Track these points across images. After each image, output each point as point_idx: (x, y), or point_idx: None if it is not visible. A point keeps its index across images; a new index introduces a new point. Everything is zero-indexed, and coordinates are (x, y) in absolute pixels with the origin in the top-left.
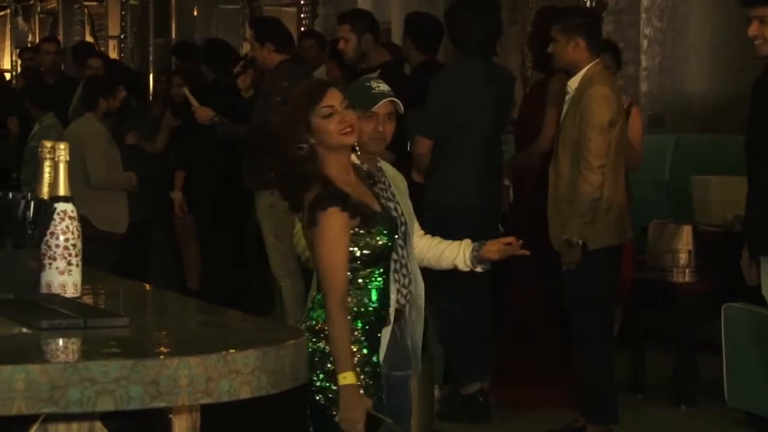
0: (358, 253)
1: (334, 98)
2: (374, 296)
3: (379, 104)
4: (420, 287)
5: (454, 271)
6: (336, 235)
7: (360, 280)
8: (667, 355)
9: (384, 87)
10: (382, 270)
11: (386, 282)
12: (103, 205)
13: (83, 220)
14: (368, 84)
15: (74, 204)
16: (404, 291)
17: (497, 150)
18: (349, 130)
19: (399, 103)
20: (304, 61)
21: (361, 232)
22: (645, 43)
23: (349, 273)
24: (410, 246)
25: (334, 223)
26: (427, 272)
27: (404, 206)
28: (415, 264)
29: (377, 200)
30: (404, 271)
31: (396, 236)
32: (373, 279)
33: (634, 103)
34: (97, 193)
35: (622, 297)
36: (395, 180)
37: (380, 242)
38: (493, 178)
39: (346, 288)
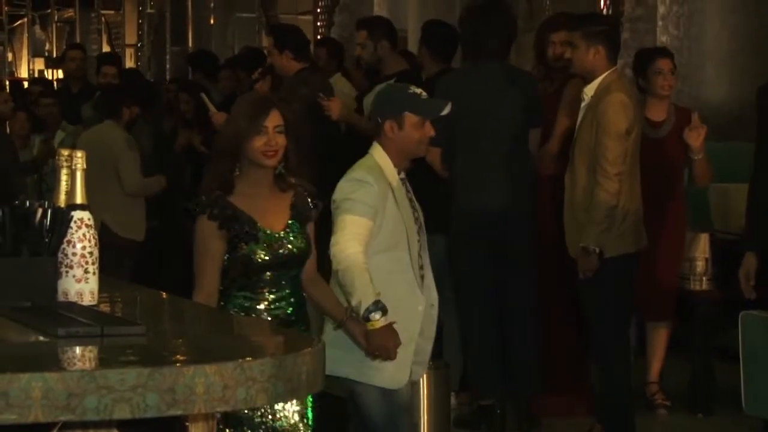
0: (227, 263)
1: (272, 120)
2: (245, 307)
3: (444, 111)
4: (434, 294)
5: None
6: (203, 240)
7: (231, 290)
8: (684, 363)
9: (424, 92)
10: (261, 285)
11: (257, 296)
12: (124, 212)
13: (104, 227)
14: (411, 91)
15: (91, 212)
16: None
17: (518, 154)
18: (272, 153)
19: (450, 104)
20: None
21: (225, 247)
22: None
23: (237, 279)
24: (426, 255)
25: (202, 229)
26: (444, 283)
27: (421, 215)
28: (430, 272)
29: (297, 221)
30: (421, 282)
31: (282, 257)
32: (246, 291)
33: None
34: (119, 199)
35: (669, 308)
36: (410, 187)
37: (254, 258)
38: (515, 183)
39: (211, 291)
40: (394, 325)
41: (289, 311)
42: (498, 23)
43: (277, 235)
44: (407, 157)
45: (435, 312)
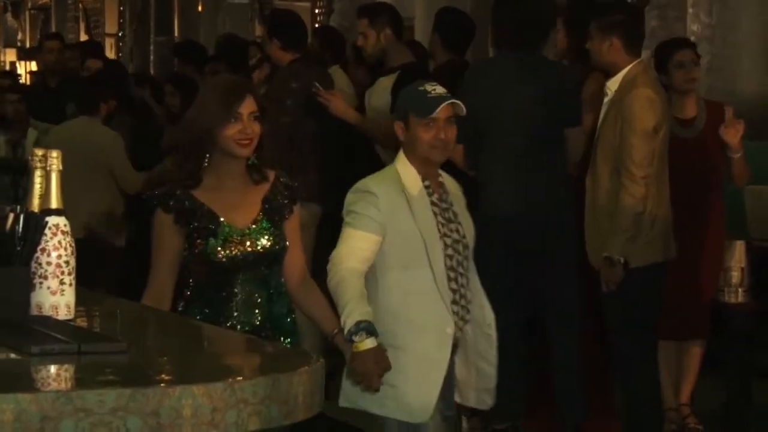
0: (186, 260)
1: (247, 106)
2: (207, 312)
3: (439, 109)
4: (489, 315)
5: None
6: (159, 233)
7: (194, 293)
8: (719, 382)
9: (440, 89)
10: (225, 287)
11: (222, 300)
12: (108, 214)
13: (89, 232)
14: (422, 88)
15: (68, 217)
16: (459, 323)
17: (544, 152)
18: (246, 142)
19: (461, 104)
20: (320, 63)
21: (182, 242)
22: (692, 39)
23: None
24: (472, 273)
25: (158, 222)
26: None
27: (465, 226)
28: (478, 292)
29: (267, 217)
30: (463, 301)
31: (241, 256)
32: (209, 294)
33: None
34: (104, 201)
35: (705, 325)
36: (457, 195)
37: (211, 255)
38: (538, 184)
39: (160, 287)
40: (412, 351)
41: (259, 319)
42: (519, 14)
43: (240, 232)
44: (424, 161)
45: (492, 333)
